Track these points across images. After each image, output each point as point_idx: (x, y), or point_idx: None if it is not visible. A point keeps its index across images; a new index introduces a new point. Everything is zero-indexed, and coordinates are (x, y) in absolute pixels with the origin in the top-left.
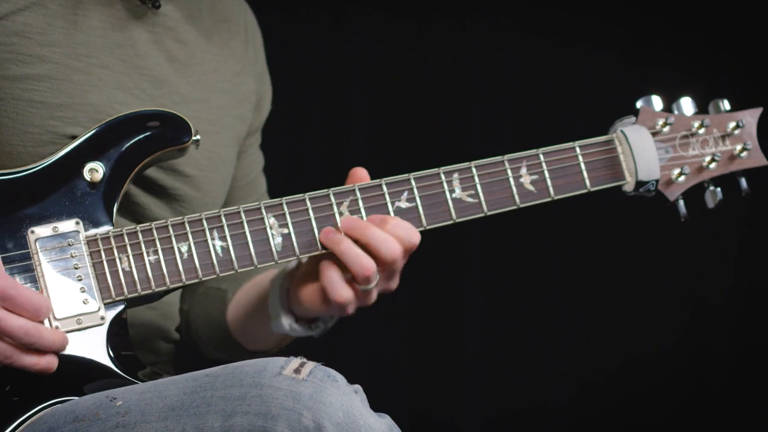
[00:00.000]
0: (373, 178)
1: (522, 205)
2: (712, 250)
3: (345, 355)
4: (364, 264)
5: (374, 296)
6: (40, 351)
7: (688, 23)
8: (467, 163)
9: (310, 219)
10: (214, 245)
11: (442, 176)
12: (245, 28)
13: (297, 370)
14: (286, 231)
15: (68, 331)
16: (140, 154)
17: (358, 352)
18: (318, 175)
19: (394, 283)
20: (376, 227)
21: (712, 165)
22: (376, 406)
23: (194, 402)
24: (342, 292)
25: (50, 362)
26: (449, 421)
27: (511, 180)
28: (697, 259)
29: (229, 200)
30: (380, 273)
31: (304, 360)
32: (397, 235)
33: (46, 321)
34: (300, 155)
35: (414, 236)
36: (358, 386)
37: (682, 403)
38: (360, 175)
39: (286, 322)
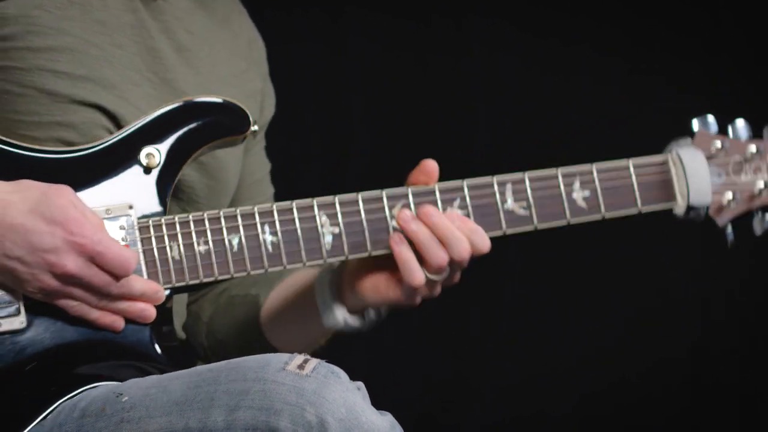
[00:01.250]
0: (373, 180)
1: (572, 221)
2: (716, 253)
3: (348, 357)
4: (440, 254)
5: (439, 289)
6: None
7: (687, 24)
8: (521, 174)
9: (361, 220)
10: (264, 239)
11: (496, 186)
12: (248, 29)
13: (300, 366)
14: (337, 230)
15: None
16: (197, 141)
17: (361, 353)
18: (316, 177)
19: (457, 277)
20: (452, 225)
21: (764, 193)
22: (379, 407)
23: (198, 397)
24: (419, 275)
25: (144, 309)
26: (452, 424)
27: (564, 195)
28: (702, 262)
29: (236, 199)
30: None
31: (308, 356)
32: (471, 240)
33: None
34: (298, 156)
35: (485, 246)
36: (360, 383)
37: (686, 407)
38: (429, 167)
39: (340, 314)
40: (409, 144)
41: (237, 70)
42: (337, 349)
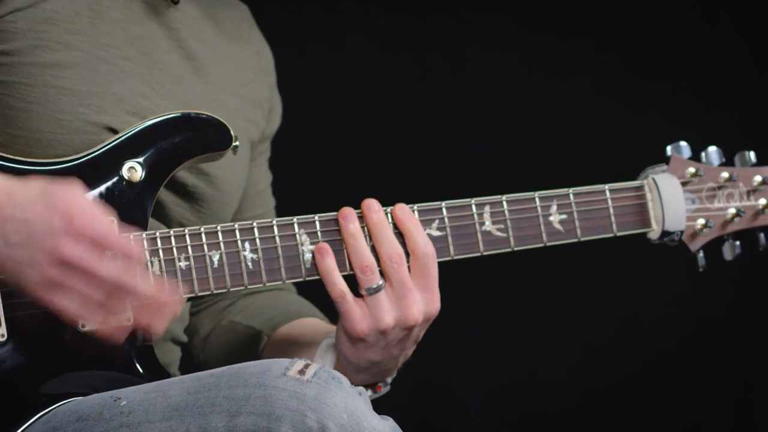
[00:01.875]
0: (374, 182)
1: (549, 244)
2: (710, 257)
3: None
4: (365, 250)
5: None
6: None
7: (684, 24)
8: (499, 196)
9: (341, 239)
10: (244, 256)
11: (474, 208)
12: (256, 40)
13: (301, 371)
14: None
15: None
16: (179, 156)
17: None
18: (315, 182)
19: (409, 349)
20: (387, 225)
21: (736, 219)
22: (378, 410)
23: (198, 402)
24: (337, 286)
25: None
26: (449, 426)
27: (541, 218)
28: (696, 266)
29: (238, 209)
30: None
31: (309, 362)
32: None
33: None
34: (296, 160)
35: (427, 246)
36: (361, 388)
37: (680, 409)
38: None
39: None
40: (408, 144)
41: (244, 80)
42: None
